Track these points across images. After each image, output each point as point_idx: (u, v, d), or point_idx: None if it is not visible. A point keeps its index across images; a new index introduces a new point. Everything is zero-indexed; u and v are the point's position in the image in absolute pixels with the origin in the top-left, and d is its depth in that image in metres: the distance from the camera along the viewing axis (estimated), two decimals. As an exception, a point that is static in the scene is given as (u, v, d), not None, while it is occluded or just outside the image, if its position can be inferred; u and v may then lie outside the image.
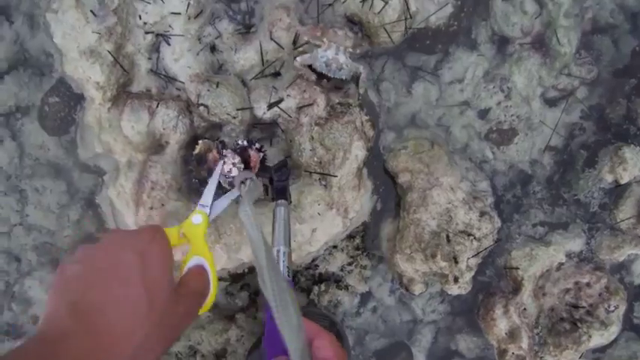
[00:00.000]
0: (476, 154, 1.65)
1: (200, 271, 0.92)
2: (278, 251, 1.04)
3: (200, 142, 1.33)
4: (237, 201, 1.12)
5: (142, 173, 1.42)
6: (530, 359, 1.52)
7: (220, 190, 1.19)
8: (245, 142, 1.28)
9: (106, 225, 1.59)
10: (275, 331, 0.96)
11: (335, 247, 1.60)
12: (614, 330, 1.53)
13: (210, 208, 1.10)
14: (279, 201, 1.18)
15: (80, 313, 0.67)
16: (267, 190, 1.28)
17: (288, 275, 1.02)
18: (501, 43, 1.62)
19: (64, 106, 1.50)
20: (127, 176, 1.43)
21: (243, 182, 1.13)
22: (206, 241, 1.00)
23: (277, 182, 1.22)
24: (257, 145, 1.29)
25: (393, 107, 1.61)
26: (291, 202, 1.30)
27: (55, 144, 1.63)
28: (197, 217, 1.03)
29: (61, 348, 0.62)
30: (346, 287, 1.65)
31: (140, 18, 1.36)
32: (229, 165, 1.22)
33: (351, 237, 1.60)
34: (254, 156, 1.32)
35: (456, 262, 1.43)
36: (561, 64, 1.56)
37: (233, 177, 1.24)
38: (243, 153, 1.28)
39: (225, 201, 1.14)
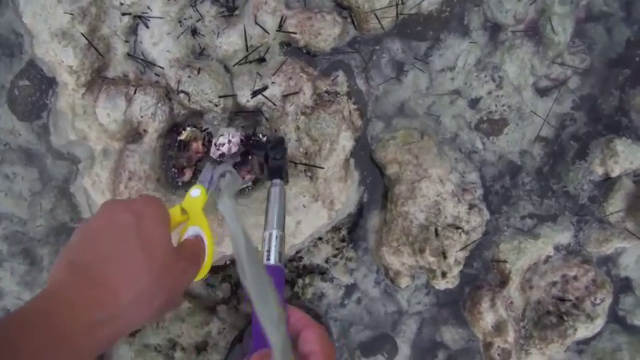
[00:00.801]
0: (465, 145, 1.61)
1: (197, 239, 0.95)
2: (270, 235, 1.00)
3: (188, 129, 1.29)
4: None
5: (118, 162, 1.35)
6: (515, 352, 1.51)
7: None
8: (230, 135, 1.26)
9: (81, 215, 1.52)
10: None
11: (320, 238, 1.56)
12: (599, 323, 1.52)
13: (209, 182, 1.11)
14: (275, 180, 1.13)
15: (78, 267, 0.72)
16: (262, 169, 1.23)
17: (280, 261, 0.97)
18: (494, 30, 1.57)
19: (35, 90, 1.41)
20: (103, 165, 1.37)
21: (222, 175, 1.10)
22: (205, 213, 1.02)
23: (273, 160, 1.17)
24: (241, 135, 1.27)
25: (381, 95, 1.56)
26: (287, 181, 1.25)
27: (26, 129, 1.54)
28: (195, 191, 1.04)
29: (60, 297, 0.67)
30: (331, 279, 1.62)
31: (116, -2, 1.28)
32: (226, 139, 1.20)
33: (336, 229, 1.56)
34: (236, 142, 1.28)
35: (445, 257, 1.40)
36: (554, 52, 1.52)
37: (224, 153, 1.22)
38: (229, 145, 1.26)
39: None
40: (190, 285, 1.00)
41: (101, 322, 0.68)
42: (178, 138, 1.32)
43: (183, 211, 1.00)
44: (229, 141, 1.22)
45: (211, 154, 1.26)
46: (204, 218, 1.01)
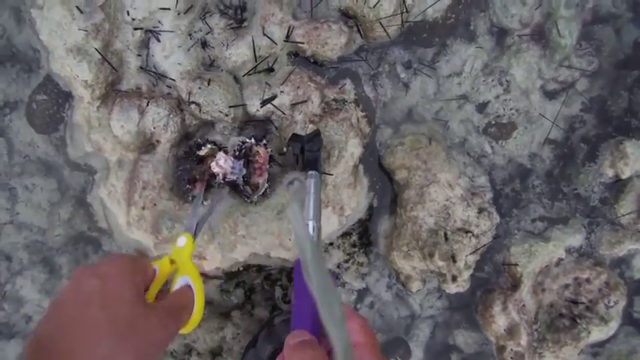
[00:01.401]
0: (474, 149, 1.62)
1: (185, 289, 0.96)
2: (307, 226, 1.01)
3: (208, 145, 1.32)
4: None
5: (133, 172, 1.39)
6: (529, 356, 1.51)
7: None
8: (252, 140, 1.30)
9: (98, 224, 1.56)
10: (304, 308, 0.94)
11: (331, 244, 1.57)
12: (613, 325, 1.52)
13: (195, 229, 1.14)
14: (311, 172, 1.15)
15: (43, 343, 0.72)
16: (297, 160, 1.26)
17: None
18: (500, 35, 1.58)
19: (52, 104, 1.46)
20: (118, 175, 1.40)
21: (291, 183, 1.12)
22: (193, 261, 1.04)
23: (309, 152, 1.19)
24: (264, 142, 1.31)
25: (389, 102, 1.58)
26: (322, 172, 1.27)
27: (44, 141, 1.59)
28: (181, 240, 1.08)
29: None
30: (343, 284, 1.63)
31: (128, 14, 1.32)
32: (222, 159, 1.24)
33: (347, 234, 1.58)
34: (263, 152, 1.31)
35: (455, 261, 1.41)
36: (561, 55, 1.52)
37: (230, 173, 1.26)
38: (249, 151, 1.29)
39: (208, 216, 1.22)
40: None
41: None
42: (198, 153, 1.35)
43: (172, 261, 1.01)
44: (225, 159, 1.26)
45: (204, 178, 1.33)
46: (192, 267, 1.02)
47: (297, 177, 1.09)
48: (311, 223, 1.02)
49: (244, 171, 1.31)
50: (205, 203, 1.33)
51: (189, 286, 0.98)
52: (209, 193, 1.35)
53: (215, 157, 1.28)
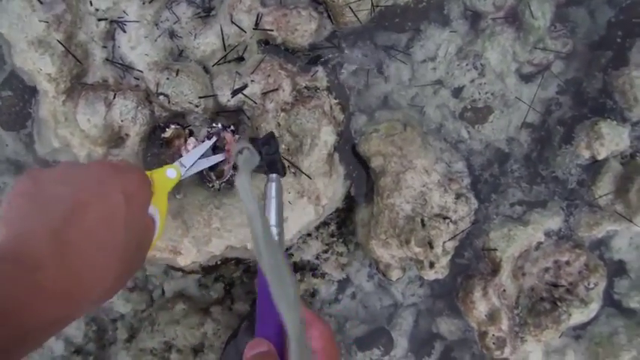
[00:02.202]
0: (451, 134, 1.60)
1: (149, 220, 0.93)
2: None
3: (172, 126, 1.31)
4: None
5: (103, 167, 1.36)
6: (510, 340, 1.50)
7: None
8: (219, 125, 1.30)
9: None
10: (268, 313, 0.92)
11: (309, 235, 1.56)
12: (594, 307, 1.51)
13: (187, 170, 1.15)
14: (271, 176, 1.12)
15: (61, 245, 0.66)
16: (258, 165, 1.24)
17: None
18: (474, 18, 1.56)
19: (18, 100, 1.42)
20: (88, 171, 1.37)
21: (240, 152, 1.09)
22: (167, 195, 1.05)
23: (266, 156, 1.17)
24: (232, 128, 1.31)
25: (363, 89, 1.56)
26: (285, 173, 1.25)
27: (13, 139, 1.55)
28: (171, 171, 1.07)
29: (38, 278, 0.62)
30: (322, 275, 1.62)
31: (91, 4, 1.28)
32: (191, 144, 1.24)
33: (325, 224, 1.56)
34: (229, 138, 1.30)
35: (432, 247, 1.40)
36: (535, 37, 1.51)
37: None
38: (217, 136, 1.28)
39: (205, 163, 1.22)
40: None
41: (59, 319, 0.66)
42: (162, 135, 1.33)
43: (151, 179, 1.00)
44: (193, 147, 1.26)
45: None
46: (165, 201, 1.02)
47: (247, 145, 1.06)
48: (274, 230, 1.00)
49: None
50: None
51: (153, 219, 0.96)
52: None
53: (182, 138, 1.27)
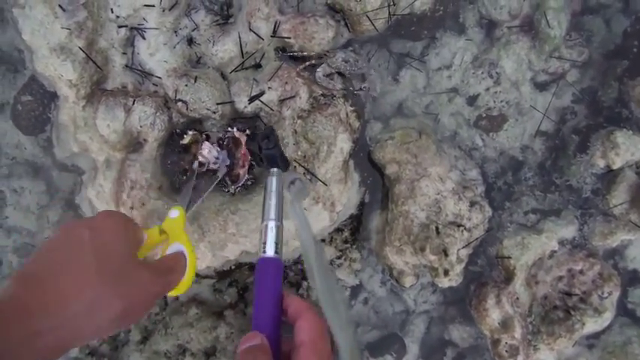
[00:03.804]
0: (465, 142, 1.61)
1: (177, 253, 0.98)
2: (266, 226, 0.97)
3: (190, 132, 1.32)
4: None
5: (120, 172, 1.38)
6: (523, 348, 1.50)
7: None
8: (234, 129, 1.33)
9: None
10: (264, 307, 0.93)
11: (323, 240, 1.56)
12: (607, 316, 1.51)
13: (187, 206, 1.19)
14: (271, 170, 1.12)
15: (26, 277, 0.72)
16: (261, 159, 1.25)
17: (277, 252, 0.93)
18: (489, 27, 1.57)
19: (38, 105, 1.44)
20: (106, 176, 1.39)
21: (292, 182, 1.10)
22: (186, 232, 1.06)
23: (266, 150, 1.17)
24: (247, 132, 1.33)
25: (379, 96, 1.56)
26: (287, 168, 1.26)
27: (31, 143, 1.58)
28: (174, 212, 1.10)
29: (1, 305, 0.66)
30: (336, 281, 1.62)
31: (112, 11, 1.30)
32: (206, 149, 1.25)
33: (339, 230, 1.57)
34: (244, 141, 1.32)
35: (446, 255, 1.40)
36: (551, 46, 1.51)
37: (213, 163, 1.30)
38: (232, 141, 1.30)
39: (199, 198, 1.25)
40: (184, 291, 1.01)
41: (44, 330, 0.67)
42: (181, 142, 1.35)
43: (162, 231, 1.03)
44: (209, 150, 1.27)
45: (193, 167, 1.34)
46: (185, 235, 1.04)
47: (298, 177, 1.07)
48: (272, 223, 1.00)
49: (228, 161, 1.30)
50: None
51: (182, 252, 0.99)
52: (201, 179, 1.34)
53: (199, 144, 1.29)
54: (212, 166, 1.32)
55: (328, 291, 0.67)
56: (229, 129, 1.33)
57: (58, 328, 0.69)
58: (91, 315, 0.73)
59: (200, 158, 1.30)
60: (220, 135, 1.34)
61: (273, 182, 1.10)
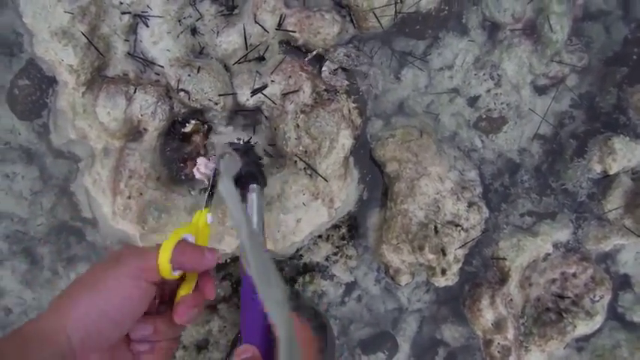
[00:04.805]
0: (465, 143, 1.62)
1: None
2: None
3: (192, 121, 1.31)
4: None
5: (119, 161, 1.36)
6: (515, 349, 1.52)
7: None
8: (241, 142, 1.31)
9: (82, 214, 1.52)
10: (253, 320, 0.94)
11: (320, 236, 1.56)
12: (598, 319, 1.53)
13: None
14: (250, 186, 1.11)
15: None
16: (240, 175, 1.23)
17: None
18: (492, 29, 1.58)
19: (35, 90, 1.42)
20: (103, 164, 1.37)
21: (221, 156, 1.06)
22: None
23: (245, 167, 1.15)
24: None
25: (380, 94, 1.56)
26: (266, 184, 1.24)
27: (26, 128, 1.55)
28: (210, 217, 0.92)
29: None
30: (331, 277, 1.62)
31: (116, -3, 1.28)
32: (202, 165, 1.18)
33: (336, 227, 1.57)
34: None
35: (444, 254, 1.41)
36: (552, 50, 1.52)
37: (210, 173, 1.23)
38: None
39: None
40: None
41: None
42: (182, 130, 1.33)
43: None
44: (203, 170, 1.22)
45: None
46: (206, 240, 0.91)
47: (228, 150, 1.04)
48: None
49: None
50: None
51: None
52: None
53: (201, 134, 1.27)
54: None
55: (262, 267, 0.65)
56: (237, 139, 1.31)
57: None
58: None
59: (197, 175, 1.24)
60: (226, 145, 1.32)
61: (253, 199, 1.08)
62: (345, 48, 1.40)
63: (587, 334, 1.57)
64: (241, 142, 1.33)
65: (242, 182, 1.15)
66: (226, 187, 0.77)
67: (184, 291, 0.82)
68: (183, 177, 1.38)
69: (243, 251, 0.66)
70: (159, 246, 0.79)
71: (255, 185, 1.12)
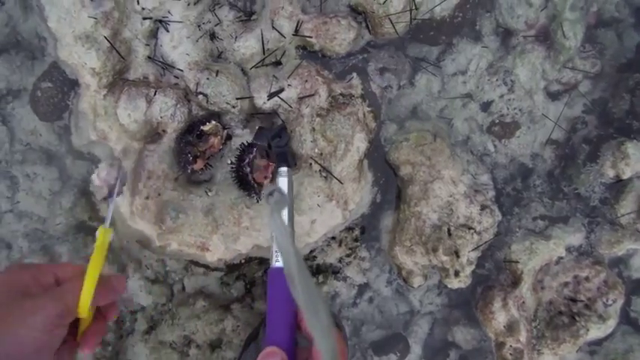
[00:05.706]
0: (477, 147, 1.63)
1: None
2: None
3: (212, 122, 1.34)
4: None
5: (137, 162, 1.39)
6: (527, 352, 1.52)
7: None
8: (255, 152, 1.31)
9: (100, 214, 1.56)
10: (281, 321, 0.94)
11: (333, 238, 1.58)
12: (611, 324, 1.54)
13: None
14: (281, 170, 1.12)
15: None
16: (268, 155, 1.24)
17: None
18: (505, 35, 1.60)
19: (57, 92, 1.45)
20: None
21: (270, 194, 1.10)
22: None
23: (276, 148, 1.17)
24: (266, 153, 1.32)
25: (394, 98, 1.58)
26: (295, 164, 1.25)
27: (47, 130, 1.58)
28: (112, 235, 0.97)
29: None
30: (344, 279, 1.64)
31: (138, 3, 1.32)
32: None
33: (350, 229, 1.58)
34: (264, 164, 1.33)
35: (458, 256, 1.42)
36: (566, 57, 1.54)
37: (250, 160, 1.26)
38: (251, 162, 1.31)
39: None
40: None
41: None
42: (201, 127, 1.36)
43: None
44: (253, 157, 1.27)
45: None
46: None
47: (277, 187, 1.07)
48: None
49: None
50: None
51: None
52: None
53: (218, 136, 1.29)
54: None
55: (310, 297, 0.68)
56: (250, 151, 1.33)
57: None
58: None
59: (97, 182, 1.27)
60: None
61: (285, 183, 1.10)
62: (386, 50, 1.43)
63: (599, 338, 1.58)
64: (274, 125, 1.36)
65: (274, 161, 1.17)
66: (277, 224, 0.82)
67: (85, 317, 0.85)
68: (189, 171, 1.38)
69: (291, 281, 0.68)
70: (73, 284, 0.83)
71: (285, 169, 1.13)
